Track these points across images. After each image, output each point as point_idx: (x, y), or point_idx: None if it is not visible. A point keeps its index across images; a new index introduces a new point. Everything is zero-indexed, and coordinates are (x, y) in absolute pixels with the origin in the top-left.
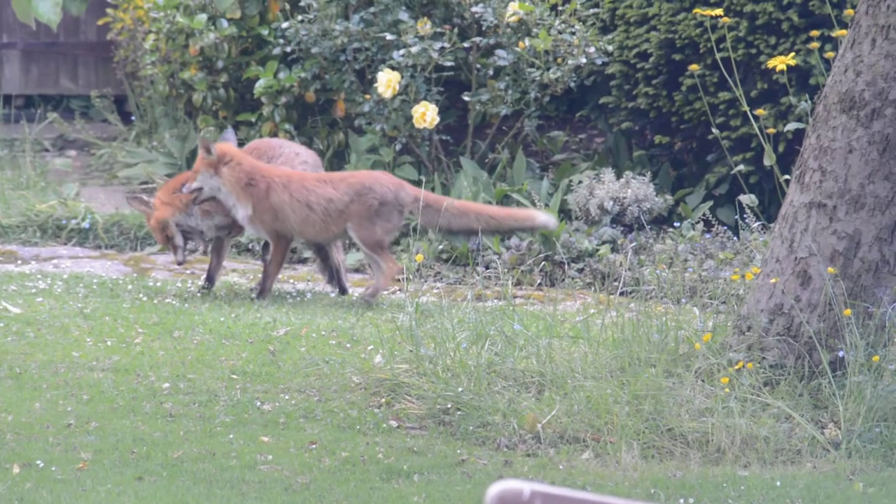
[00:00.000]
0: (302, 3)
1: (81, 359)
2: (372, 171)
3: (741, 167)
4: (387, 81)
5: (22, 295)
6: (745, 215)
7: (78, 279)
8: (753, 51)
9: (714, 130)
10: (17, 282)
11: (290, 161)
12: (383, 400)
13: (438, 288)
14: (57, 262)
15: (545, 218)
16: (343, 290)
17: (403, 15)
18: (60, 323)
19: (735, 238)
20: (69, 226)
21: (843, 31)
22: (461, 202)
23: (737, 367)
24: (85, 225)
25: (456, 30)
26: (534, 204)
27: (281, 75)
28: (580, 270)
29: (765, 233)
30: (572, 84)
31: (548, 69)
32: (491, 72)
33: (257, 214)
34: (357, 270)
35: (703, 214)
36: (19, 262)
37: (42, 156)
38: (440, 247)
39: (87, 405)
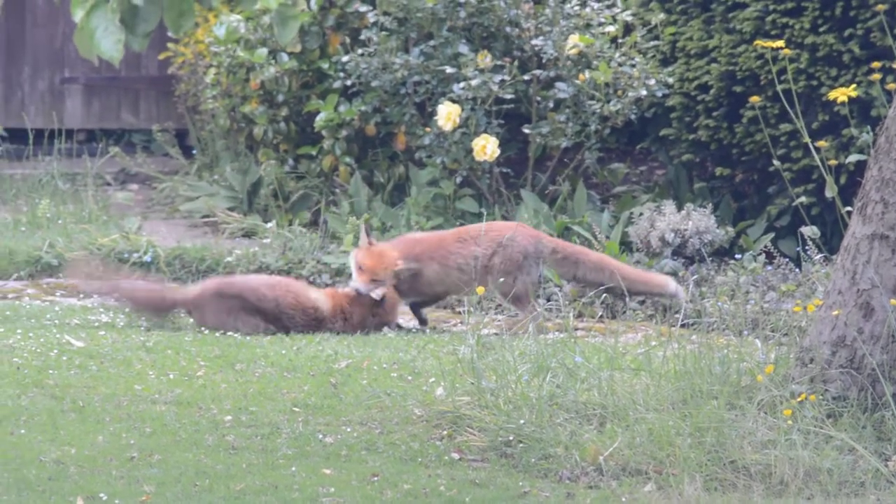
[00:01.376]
0: (362, 37)
1: (144, 392)
2: (509, 222)
3: (803, 199)
4: (447, 114)
5: (85, 328)
6: (806, 247)
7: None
8: (815, 83)
9: (775, 162)
10: (79, 315)
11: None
12: (445, 432)
13: (499, 320)
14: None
15: (676, 287)
16: (422, 322)
17: (463, 48)
18: (123, 356)
19: (797, 270)
20: (131, 259)
21: None
22: (599, 256)
23: (799, 399)
24: (147, 258)
25: (516, 62)
26: (595, 237)
27: (341, 108)
28: (641, 302)
29: (827, 265)
30: (633, 116)
31: (608, 101)
32: (551, 104)
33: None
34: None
35: (765, 246)
36: (81, 295)
37: (104, 190)
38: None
39: (150, 438)
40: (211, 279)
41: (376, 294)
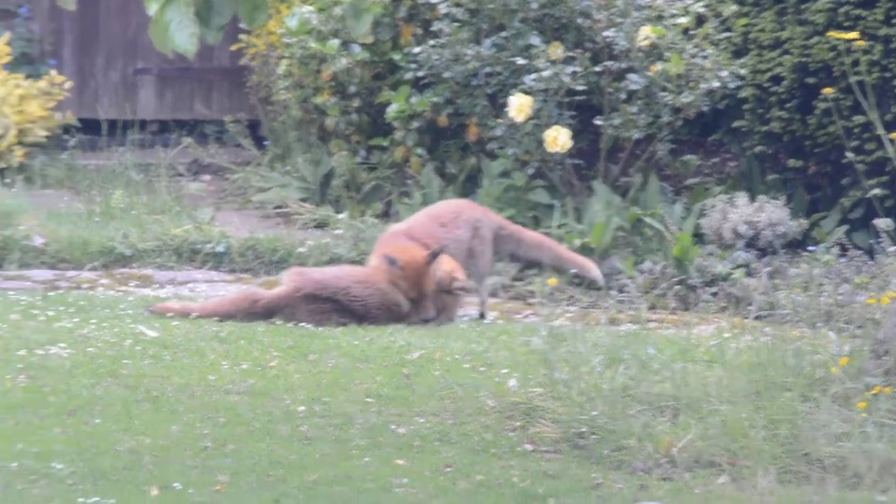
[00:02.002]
0: (434, 28)
1: (217, 382)
2: (454, 200)
3: (876, 191)
4: (519, 106)
5: (158, 318)
6: (880, 239)
7: None
8: (888, 74)
9: (848, 154)
10: (153, 305)
11: None
12: (518, 423)
13: (572, 312)
14: (192, 286)
15: (597, 274)
16: (481, 315)
17: (535, 39)
18: (196, 346)
19: (870, 262)
20: (204, 250)
21: None
22: (537, 235)
23: (874, 392)
24: (220, 249)
25: (588, 54)
26: (667, 228)
27: (413, 100)
28: (714, 294)
29: None
30: (705, 108)
31: (680, 93)
32: (623, 96)
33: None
34: (491, 295)
35: (838, 238)
36: (155, 285)
37: (177, 180)
38: (573, 270)
39: (224, 428)
40: (297, 275)
41: (458, 284)
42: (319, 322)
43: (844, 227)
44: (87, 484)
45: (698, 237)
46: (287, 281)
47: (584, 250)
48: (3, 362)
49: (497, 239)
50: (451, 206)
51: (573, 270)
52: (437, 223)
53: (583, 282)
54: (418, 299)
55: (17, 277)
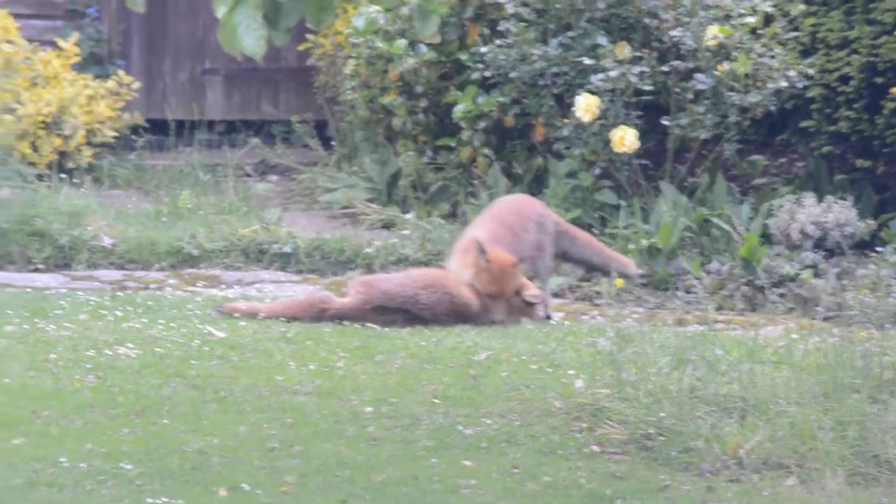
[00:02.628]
0: (500, 28)
1: (285, 382)
2: (514, 195)
3: None
4: (585, 106)
5: (226, 319)
6: None
7: None
8: None
9: None
10: (220, 305)
11: None
12: (585, 425)
13: (639, 312)
14: (259, 287)
15: (635, 270)
16: (547, 316)
17: (602, 39)
18: (264, 347)
19: None
20: (271, 250)
21: None
22: (586, 234)
23: None
24: (287, 249)
25: (655, 54)
26: (734, 229)
27: (480, 100)
28: (782, 295)
29: None
30: (772, 108)
31: (747, 93)
32: (690, 96)
33: None
34: (557, 295)
35: None
36: (222, 286)
37: (244, 181)
38: (640, 271)
39: (291, 429)
40: (363, 286)
41: (531, 298)
42: (386, 325)
43: None
44: (155, 484)
45: (766, 238)
46: (354, 293)
47: (651, 251)
48: (72, 363)
49: (556, 235)
50: (515, 206)
51: (614, 268)
52: (507, 228)
53: (649, 283)
54: (495, 297)
55: (85, 278)
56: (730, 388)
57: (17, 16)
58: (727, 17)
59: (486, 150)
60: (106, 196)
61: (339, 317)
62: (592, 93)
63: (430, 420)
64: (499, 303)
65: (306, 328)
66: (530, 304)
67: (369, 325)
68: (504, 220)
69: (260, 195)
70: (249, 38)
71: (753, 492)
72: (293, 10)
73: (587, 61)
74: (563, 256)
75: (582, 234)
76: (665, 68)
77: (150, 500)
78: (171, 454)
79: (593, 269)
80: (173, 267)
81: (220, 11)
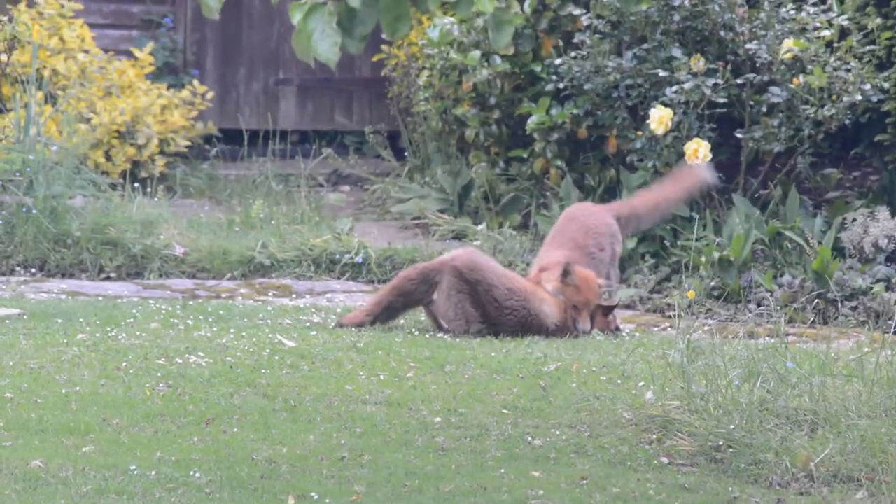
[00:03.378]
0: (575, 40)
1: (354, 392)
2: (581, 203)
3: None
4: (659, 118)
5: (296, 329)
6: None
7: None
8: None
9: None
10: (291, 315)
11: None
12: (654, 436)
13: (710, 325)
14: (331, 297)
15: (707, 174)
16: (616, 328)
17: (677, 52)
18: (334, 356)
19: None
20: (343, 260)
21: None
22: (645, 197)
23: None
24: (358, 259)
25: (729, 66)
26: (807, 242)
27: (553, 111)
28: (854, 308)
29: None
30: (847, 121)
31: (822, 106)
32: (764, 108)
33: None
34: (628, 307)
35: None
36: (294, 295)
37: (316, 191)
38: (711, 283)
39: (360, 438)
40: (462, 249)
41: (608, 302)
42: (453, 308)
43: None
44: (224, 493)
45: (838, 251)
46: (452, 252)
47: (723, 263)
48: (143, 371)
49: (622, 228)
50: (587, 224)
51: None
52: (584, 252)
53: (722, 294)
54: (581, 308)
55: (157, 286)
56: (800, 401)
57: (92, 25)
58: (803, 31)
59: (558, 162)
60: (178, 205)
61: (426, 272)
62: (666, 105)
63: (500, 430)
64: (583, 313)
65: (377, 338)
66: (607, 313)
67: (439, 335)
68: (580, 243)
69: (332, 205)
70: (324, 44)
71: None
72: (368, 17)
73: (661, 73)
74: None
75: (642, 202)
76: (739, 81)
77: None
78: (241, 463)
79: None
80: (244, 276)
81: (296, 18)
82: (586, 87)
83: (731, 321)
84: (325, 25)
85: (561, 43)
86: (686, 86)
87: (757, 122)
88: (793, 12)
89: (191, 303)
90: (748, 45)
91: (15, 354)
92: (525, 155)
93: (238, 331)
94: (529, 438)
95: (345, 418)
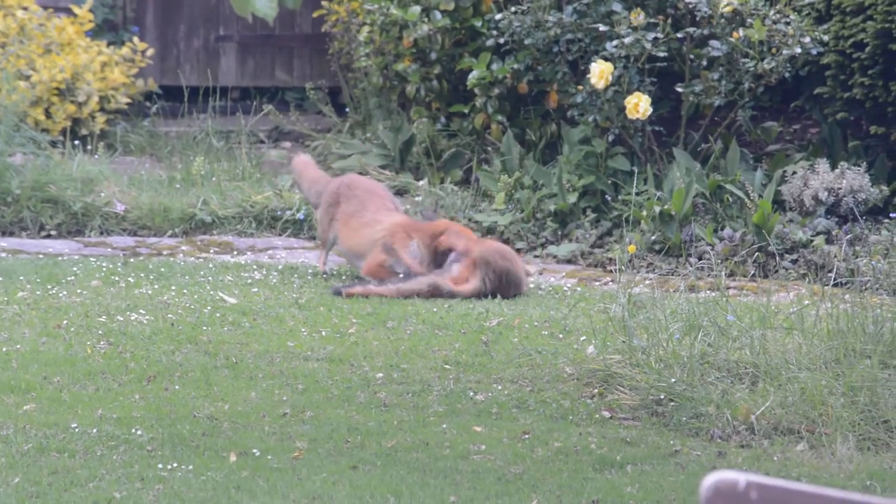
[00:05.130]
0: None
1: (296, 349)
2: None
3: None
4: (599, 72)
5: (238, 285)
6: None
7: (293, 270)
8: None
9: None
10: (233, 272)
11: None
12: (596, 391)
13: (651, 279)
14: (272, 253)
15: None
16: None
17: (617, 5)
18: (275, 313)
19: None
20: (284, 217)
21: None
22: None
23: None
24: (299, 216)
25: (669, 20)
26: (747, 195)
27: (494, 67)
28: (794, 261)
29: None
30: (787, 74)
31: (762, 59)
32: (704, 62)
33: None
34: (569, 262)
35: None
36: (235, 252)
37: (257, 147)
38: (652, 237)
39: (302, 395)
40: (485, 266)
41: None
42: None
43: None
44: (166, 449)
45: (779, 204)
46: (475, 279)
47: (664, 217)
48: (84, 329)
49: None
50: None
51: None
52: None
53: (663, 248)
54: None
55: (98, 244)
56: (741, 354)
57: None
58: None
59: (499, 117)
60: (119, 163)
61: (458, 297)
62: (606, 59)
63: (442, 386)
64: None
65: (318, 294)
66: None
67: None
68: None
69: (273, 162)
70: (262, 0)
71: (764, 457)
72: None
73: (602, 28)
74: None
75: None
76: (679, 35)
77: (160, 465)
78: (182, 420)
79: None
80: (186, 233)
81: None
82: (527, 41)
83: (672, 275)
84: None
85: None
86: (626, 40)
87: (697, 76)
88: None
89: (132, 260)
90: None
91: None
92: (466, 110)
93: (179, 288)
94: (471, 394)
95: (287, 375)
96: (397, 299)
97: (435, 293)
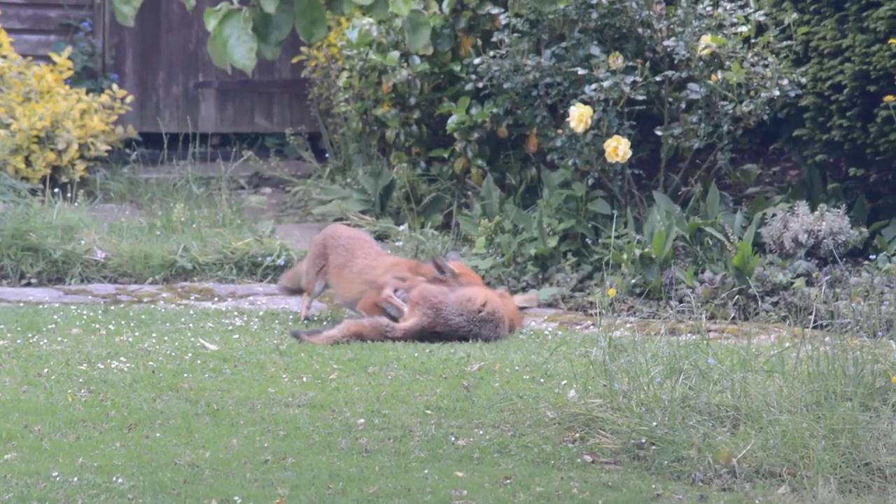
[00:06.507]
0: (494, 39)
1: (277, 395)
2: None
3: None
4: (579, 116)
5: (219, 332)
6: None
7: (274, 316)
8: None
9: None
10: (213, 319)
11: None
12: (577, 435)
13: (632, 322)
14: (253, 299)
15: None
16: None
17: (595, 49)
18: (257, 359)
19: None
20: (265, 263)
21: None
22: None
23: None
24: (280, 262)
25: (648, 63)
26: (727, 238)
27: (473, 111)
28: (775, 304)
29: None
30: (765, 117)
31: (741, 102)
32: (683, 105)
33: None
34: (550, 305)
35: None
36: (216, 299)
37: (238, 193)
38: (633, 280)
39: (284, 441)
40: (432, 311)
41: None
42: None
43: None
44: (147, 498)
45: (759, 247)
46: (420, 315)
47: (644, 260)
48: (65, 377)
49: None
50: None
51: None
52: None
53: (643, 291)
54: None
55: (78, 292)
56: (722, 398)
57: (10, 31)
58: (720, 27)
59: (479, 161)
60: (99, 210)
61: (403, 338)
62: (586, 103)
63: (423, 431)
64: None
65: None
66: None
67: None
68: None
69: (253, 208)
70: (240, 50)
71: (745, 500)
72: (284, 23)
73: (580, 71)
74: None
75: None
76: (658, 78)
77: None
78: (164, 467)
79: None
80: (166, 280)
81: (211, 24)
82: (506, 85)
83: (653, 318)
84: (240, 31)
85: (480, 42)
86: (605, 83)
87: (676, 118)
88: (710, 8)
89: (112, 308)
90: (666, 42)
91: None
92: (446, 155)
93: (160, 335)
94: (453, 439)
95: (268, 421)
96: (376, 343)
97: (382, 337)
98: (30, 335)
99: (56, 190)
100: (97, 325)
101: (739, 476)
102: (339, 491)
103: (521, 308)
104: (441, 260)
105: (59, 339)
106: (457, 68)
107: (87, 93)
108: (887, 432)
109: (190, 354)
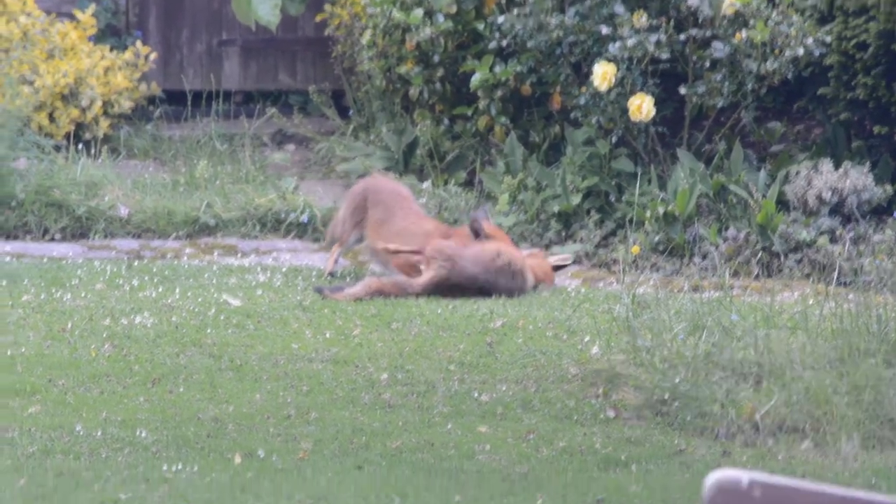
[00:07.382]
0: None
1: (301, 350)
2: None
3: None
4: (602, 74)
5: (242, 288)
6: None
7: (297, 272)
8: None
9: None
10: (237, 275)
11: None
12: (600, 390)
13: (655, 279)
14: (276, 256)
15: None
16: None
17: (619, 8)
18: (280, 315)
19: None
20: (288, 219)
21: None
22: None
23: None
24: (303, 219)
25: (672, 22)
26: (751, 195)
27: (497, 69)
28: (798, 261)
29: None
30: (790, 75)
31: (765, 60)
32: (707, 64)
33: None
34: (574, 262)
35: None
36: (239, 255)
37: (261, 150)
38: (657, 238)
39: (307, 396)
40: (448, 262)
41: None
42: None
43: None
44: (170, 451)
45: (782, 204)
46: (437, 267)
47: (668, 218)
48: (89, 332)
49: None
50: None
51: None
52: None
53: (667, 248)
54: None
55: (102, 247)
56: (745, 354)
57: None
58: None
59: (503, 119)
60: (123, 166)
61: (422, 293)
62: (609, 61)
63: (446, 387)
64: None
65: (322, 296)
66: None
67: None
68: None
69: (277, 164)
70: (264, 7)
71: (768, 456)
72: None
73: (604, 30)
74: None
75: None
76: (682, 36)
77: (165, 467)
78: (187, 422)
79: None
80: (190, 236)
81: None
82: (529, 44)
83: (677, 275)
84: None
85: (503, 0)
86: (629, 42)
87: (700, 77)
88: None
89: (136, 263)
90: (690, 1)
91: None
92: (469, 112)
93: (183, 291)
94: (476, 394)
95: (291, 376)
96: (399, 299)
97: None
98: (53, 290)
99: (80, 146)
100: (120, 281)
101: (762, 431)
102: (363, 445)
103: (557, 267)
104: (478, 224)
105: (83, 294)
106: (480, 26)
107: (111, 50)
108: None
109: (213, 310)
